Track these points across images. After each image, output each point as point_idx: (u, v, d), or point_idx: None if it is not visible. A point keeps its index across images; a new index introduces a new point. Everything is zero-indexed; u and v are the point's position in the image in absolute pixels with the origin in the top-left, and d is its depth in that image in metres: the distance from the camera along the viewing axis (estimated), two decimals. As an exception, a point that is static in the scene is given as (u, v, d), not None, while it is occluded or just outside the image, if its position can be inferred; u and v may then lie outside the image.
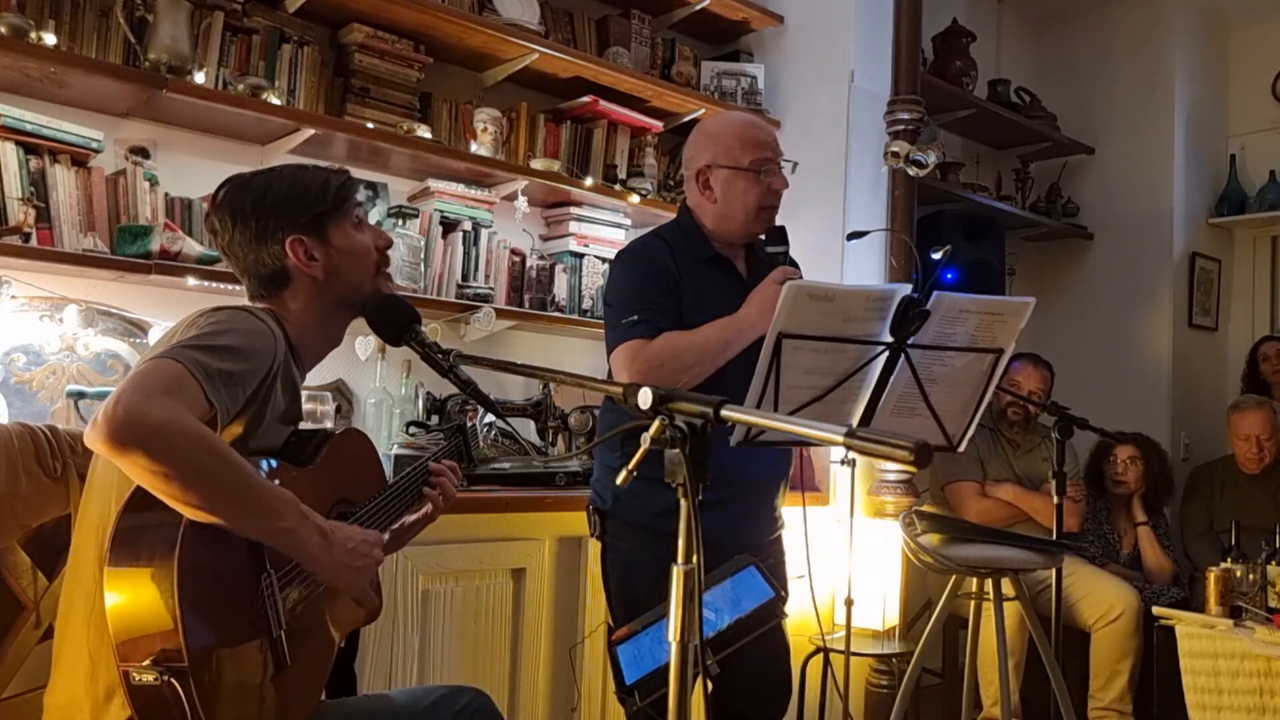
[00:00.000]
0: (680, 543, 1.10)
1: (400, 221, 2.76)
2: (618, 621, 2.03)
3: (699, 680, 2.00)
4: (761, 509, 2.08)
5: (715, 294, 1.99)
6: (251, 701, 1.24)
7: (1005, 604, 2.62)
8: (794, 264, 2.04)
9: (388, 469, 2.11)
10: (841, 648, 2.79)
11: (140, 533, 1.18)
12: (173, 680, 1.14)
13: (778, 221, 2.09)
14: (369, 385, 2.76)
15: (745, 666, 2.03)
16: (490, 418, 2.72)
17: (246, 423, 1.31)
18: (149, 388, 1.15)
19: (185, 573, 1.16)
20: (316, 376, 2.72)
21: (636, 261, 2.05)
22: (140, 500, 1.19)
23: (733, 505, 1.98)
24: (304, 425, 1.52)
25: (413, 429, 2.49)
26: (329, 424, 2.40)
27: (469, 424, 1.84)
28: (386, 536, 1.50)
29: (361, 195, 1.56)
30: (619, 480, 1.17)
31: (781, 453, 2.12)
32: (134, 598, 1.17)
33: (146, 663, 1.15)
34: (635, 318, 1.93)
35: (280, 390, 1.39)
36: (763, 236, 2.07)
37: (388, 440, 2.67)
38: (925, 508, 2.88)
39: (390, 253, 2.63)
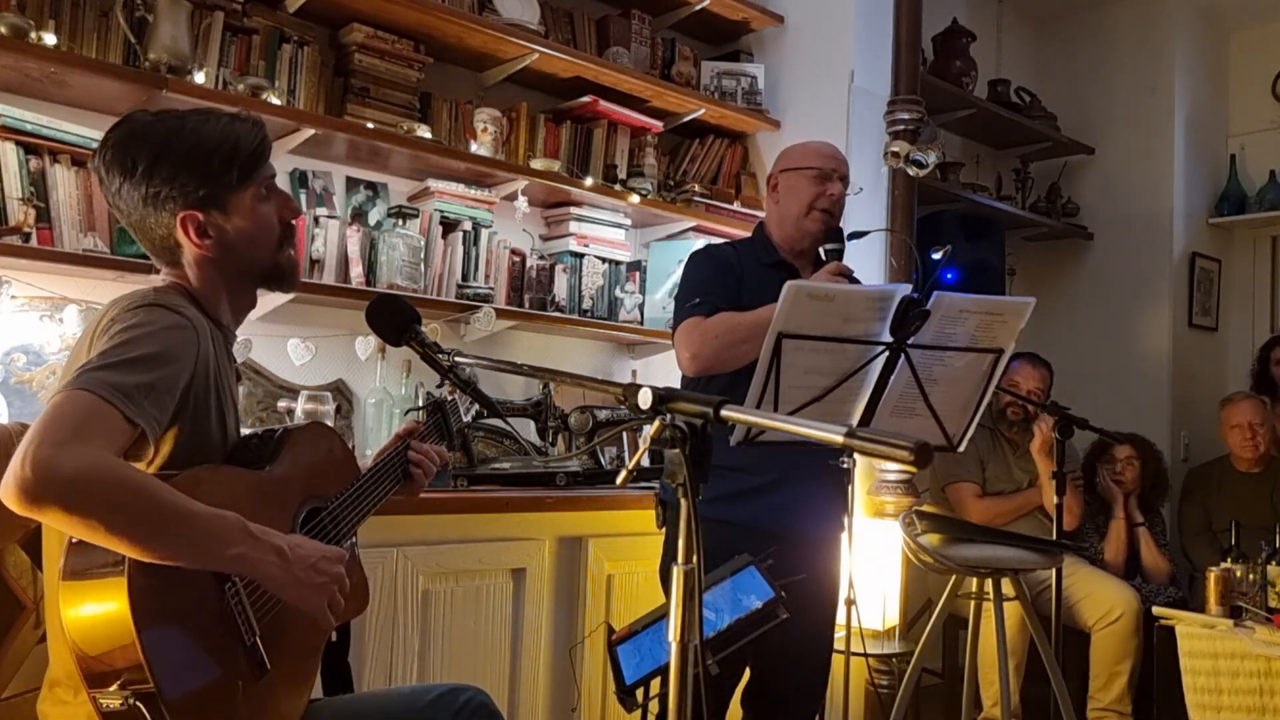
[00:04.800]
0: (680, 543, 1.10)
1: (400, 221, 2.76)
2: None
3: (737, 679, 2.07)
4: (810, 498, 2.10)
5: (775, 293, 2.03)
6: (231, 712, 1.20)
7: (1005, 604, 2.62)
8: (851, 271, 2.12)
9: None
10: (842, 648, 2.79)
11: (92, 544, 1.11)
12: (139, 704, 1.09)
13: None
14: (369, 385, 2.76)
15: (783, 660, 2.06)
16: (483, 416, 2.72)
17: (187, 422, 1.26)
18: (58, 434, 1.06)
19: (139, 587, 1.10)
20: (317, 376, 2.73)
21: (703, 258, 2.22)
22: None
23: (777, 492, 2.03)
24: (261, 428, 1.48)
25: (413, 429, 2.48)
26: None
27: (449, 399, 1.83)
28: (349, 551, 1.43)
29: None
30: (619, 480, 1.18)
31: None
32: (89, 614, 1.11)
33: (113, 688, 1.10)
34: (696, 300, 2.07)
35: (216, 373, 1.34)
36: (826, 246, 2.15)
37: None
38: (925, 508, 2.88)
39: (390, 252, 2.68)
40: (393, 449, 1.67)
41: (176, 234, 1.36)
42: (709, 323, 2.02)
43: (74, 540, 1.14)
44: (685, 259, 2.28)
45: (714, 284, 2.10)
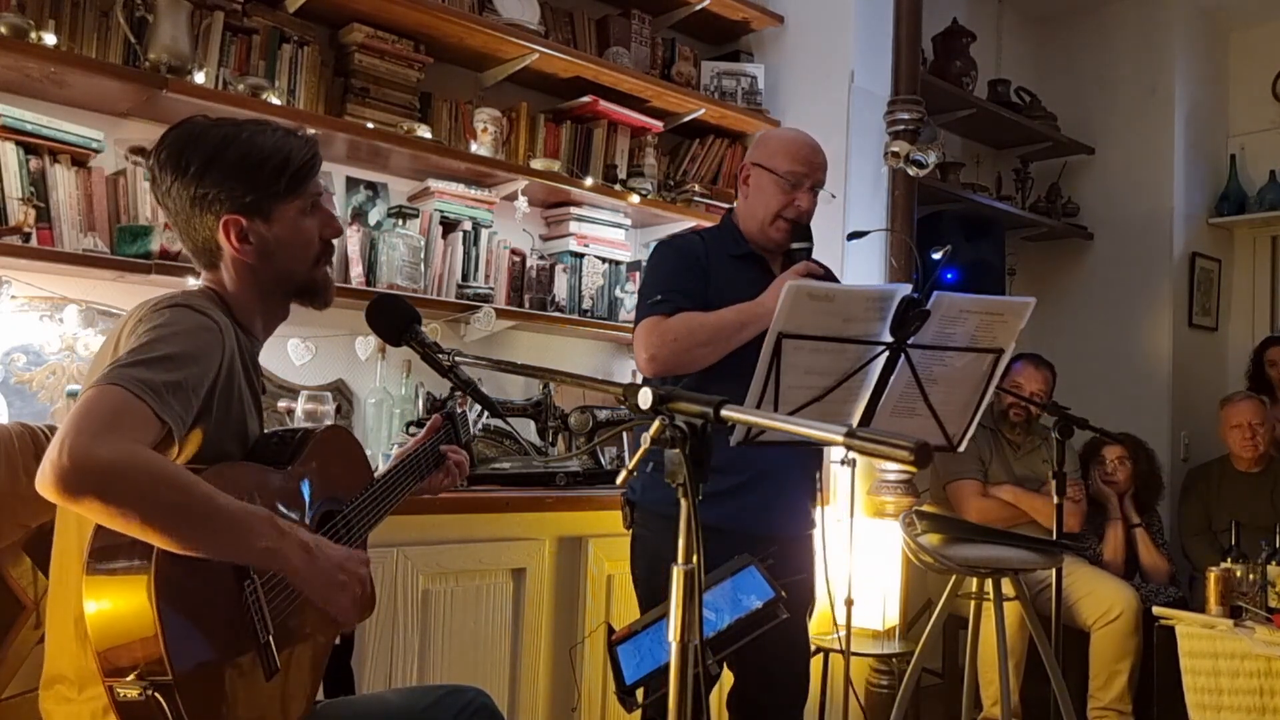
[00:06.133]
0: (680, 542, 1.10)
1: (400, 221, 2.76)
2: (645, 611, 2.05)
3: (716, 676, 2.05)
4: (782, 499, 2.09)
5: (743, 286, 2.02)
6: (242, 710, 1.21)
7: (1005, 604, 2.62)
8: (822, 267, 2.10)
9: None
10: (841, 648, 2.79)
11: (118, 540, 1.13)
12: (157, 695, 1.11)
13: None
14: (369, 385, 2.76)
15: (767, 663, 2.05)
16: (486, 417, 2.72)
17: (210, 422, 1.28)
18: (93, 426, 1.09)
19: (163, 582, 1.12)
20: (317, 376, 2.73)
21: (668, 250, 2.16)
22: None
23: (749, 493, 2.01)
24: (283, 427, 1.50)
25: (413, 429, 2.48)
26: (329, 424, 2.39)
27: (459, 410, 1.85)
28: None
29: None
30: (619, 480, 1.18)
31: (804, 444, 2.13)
32: (112, 607, 1.13)
33: (131, 678, 1.11)
34: (659, 297, 2.01)
35: (241, 375, 1.36)
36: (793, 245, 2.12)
37: (388, 440, 2.67)
38: (925, 508, 2.88)
39: (390, 252, 2.69)
40: (416, 449, 1.70)
41: (218, 236, 1.38)
42: (669, 323, 1.97)
43: (98, 533, 1.15)
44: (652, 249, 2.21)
45: (679, 280, 2.05)
